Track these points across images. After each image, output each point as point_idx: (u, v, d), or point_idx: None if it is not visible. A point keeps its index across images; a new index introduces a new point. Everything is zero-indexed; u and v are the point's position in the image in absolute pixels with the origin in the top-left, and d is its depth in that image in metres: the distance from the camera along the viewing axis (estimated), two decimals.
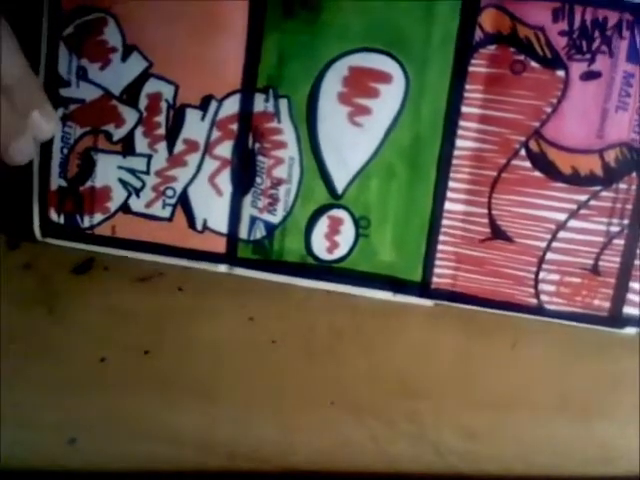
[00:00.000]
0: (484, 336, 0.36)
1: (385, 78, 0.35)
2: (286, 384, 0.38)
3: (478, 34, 0.34)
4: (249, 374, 0.38)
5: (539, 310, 0.35)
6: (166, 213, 0.38)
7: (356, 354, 0.37)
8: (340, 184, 0.36)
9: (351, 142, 0.36)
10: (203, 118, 0.37)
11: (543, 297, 0.35)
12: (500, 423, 0.37)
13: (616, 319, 0.35)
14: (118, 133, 0.37)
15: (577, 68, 0.33)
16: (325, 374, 0.37)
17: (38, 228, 0.38)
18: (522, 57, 0.33)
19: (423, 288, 0.36)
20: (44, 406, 0.39)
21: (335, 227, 0.37)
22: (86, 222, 0.38)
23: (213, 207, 0.38)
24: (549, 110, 0.33)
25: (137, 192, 0.38)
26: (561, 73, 0.33)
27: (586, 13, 0.32)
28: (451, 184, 0.35)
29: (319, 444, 0.38)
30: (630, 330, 0.35)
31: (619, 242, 0.34)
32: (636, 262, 0.34)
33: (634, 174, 0.33)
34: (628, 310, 0.34)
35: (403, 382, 0.37)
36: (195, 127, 0.37)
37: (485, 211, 0.35)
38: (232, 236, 0.38)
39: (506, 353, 0.36)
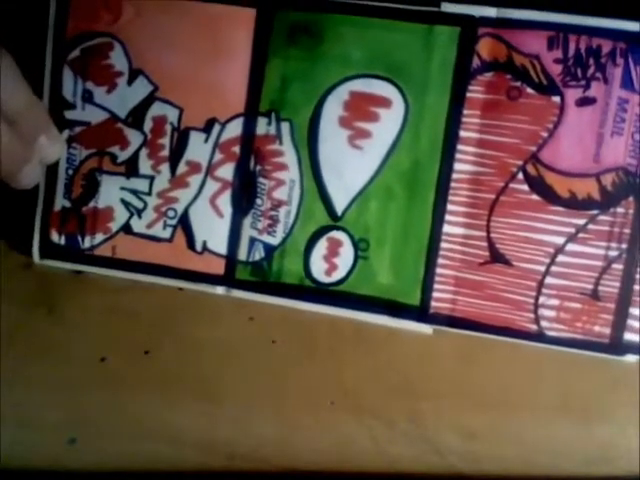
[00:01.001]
0: (485, 337, 0.37)
1: (385, 103, 0.37)
2: (286, 384, 0.38)
3: (475, 61, 0.36)
4: (249, 374, 0.39)
5: (539, 337, 0.36)
6: (166, 234, 0.40)
7: (356, 354, 0.38)
8: (340, 206, 0.38)
9: (351, 165, 0.38)
10: (206, 140, 0.39)
11: (543, 323, 0.36)
12: (500, 423, 0.37)
13: (617, 346, 0.35)
14: (123, 155, 0.40)
15: (572, 94, 0.35)
16: (325, 374, 0.38)
17: (37, 250, 0.40)
18: (518, 84, 0.35)
19: (422, 312, 0.37)
20: (44, 406, 0.40)
21: (334, 249, 0.38)
22: (87, 242, 0.40)
23: (213, 228, 0.39)
24: (546, 135, 0.35)
25: (139, 213, 0.40)
26: (557, 99, 0.35)
27: (580, 41, 0.35)
28: (450, 207, 0.37)
29: (319, 444, 0.38)
30: (631, 358, 0.35)
31: (618, 267, 0.35)
32: (635, 287, 0.35)
33: (631, 198, 0.35)
34: (629, 337, 0.35)
35: (403, 382, 0.38)
36: (198, 149, 0.39)
37: (484, 234, 0.36)
38: (231, 257, 0.39)
39: (506, 353, 0.37)
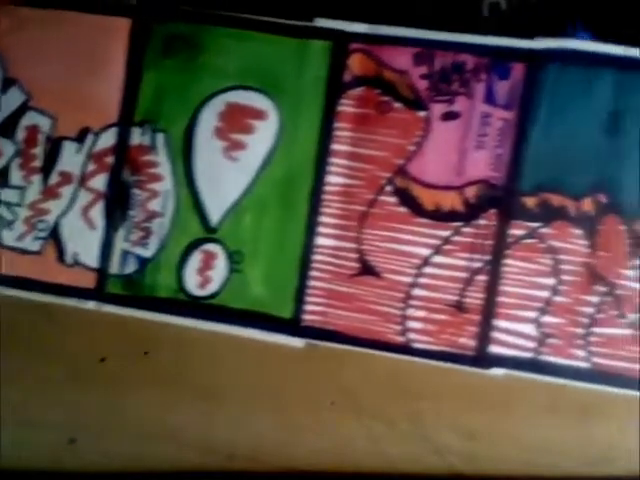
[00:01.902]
0: None
1: (260, 115, 0.38)
2: (286, 384, 0.39)
3: (347, 76, 0.37)
4: (249, 374, 0.39)
5: (407, 349, 0.37)
6: (36, 246, 0.39)
7: (356, 354, 0.38)
8: (214, 218, 0.39)
9: (226, 176, 0.38)
10: (79, 151, 0.39)
11: (410, 335, 0.37)
12: (500, 423, 0.38)
13: (482, 359, 0.36)
14: None
15: (438, 109, 0.37)
16: (325, 374, 0.38)
17: None
18: (387, 98, 0.37)
19: (294, 325, 0.38)
20: (44, 406, 0.40)
21: (208, 262, 0.39)
22: None
23: (85, 240, 0.39)
24: (413, 148, 0.37)
25: (9, 225, 0.40)
26: (423, 113, 0.37)
27: (446, 57, 0.37)
28: (322, 219, 0.38)
29: (319, 444, 0.39)
30: (497, 371, 0.37)
31: (481, 278, 0.36)
32: (499, 299, 0.37)
33: (493, 210, 0.36)
34: (493, 349, 0.37)
35: (403, 382, 0.38)
36: (71, 159, 0.39)
37: (354, 246, 0.38)
38: (103, 271, 0.39)
39: None
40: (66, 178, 0.39)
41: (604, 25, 0.38)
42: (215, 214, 0.39)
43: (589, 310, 0.36)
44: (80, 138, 0.39)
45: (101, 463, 0.40)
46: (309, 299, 0.38)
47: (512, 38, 0.36)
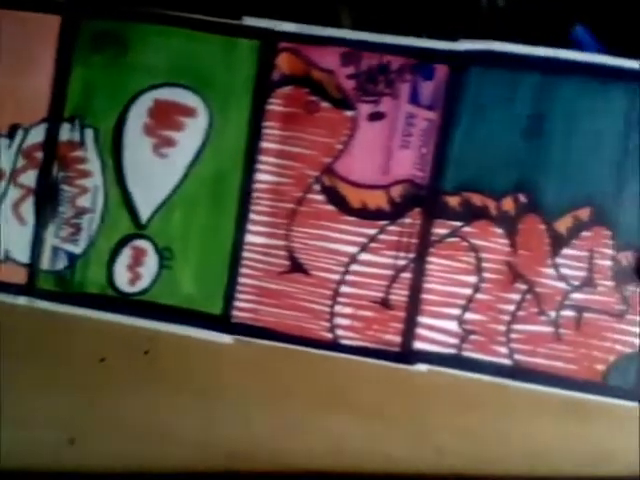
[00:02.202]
0: None
1: (189, 112, 0.39)
2: (285, 384, 0.39)
3: (275, 75, 0.38)
4: (249, 374, 0.39)
5: (334, 345, 0.38)
6: None
7: None
8: (144, 214, 0.39)
9: (156, 173, 0.39)
10: (10, 146, 0.39)
11: (338, 331, 0.38)
12: (499, 423, 0.38)
13: (407, 355, 0.37)
14: None
15: (364, 109, 0.37)
16: (325, 374, 0.39)
17: None
18: (315, 98, 0.38)
19: (223, 322, 0.38)
20: (44, 406, 0.40)
21: (138, 258, 0.39)
22: None
23: (16, 236, 0.39)
24: (340, 147, 0.38)
25: None
26: (350, 113, 0.37)
27: (372, 58, 0.37)
28: (252, 216, 0.38)
29: (319, 444, 0.39)
30: (421, 367, 0.38)
31: (406, 275, 0.37)
32: (423, 296, 0.37)
33: (418, 209, 0.37)
34: (418, 345, 0.37)
35: (403, 382, 0.38)
36: (2, 155, 0.39)
37: (284, 243, 0.38)
38: (33, 266, 0.39)
39: None
40: None
41: (603, 21, 0.39)
42: (145, 210, 0.39)
43: (510, 307, 0.37)
44: (10, 134, 0.39)
45: (101, 463, 0.40)
46: (239, 296, 0.38)
47: (437, 40, 0.37)
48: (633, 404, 0.36)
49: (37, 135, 0.39)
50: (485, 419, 0.39)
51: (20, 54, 0.39)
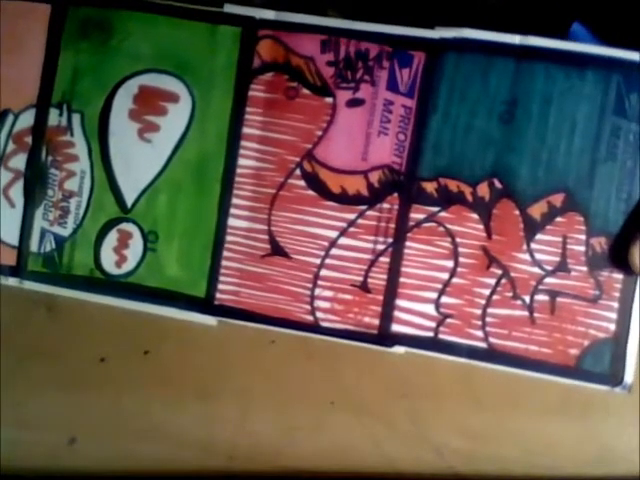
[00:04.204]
0: None
1: (172, 98, 0.41)
2: (286, 384, 0.41)
3: (256, 61, 0.40)
4: (249, 374, 0.41)
5: (315, 328, 0.40)
6: None
7: (356, 354, 0.40)
8: (130, 198, 0.42)
9: (141, 157, 0.41)
10: (0, 131, 0.43)
11: (319, 314, 0.40)
12: (500, 423, 0.40)
13: (385, 337, 0.40)
14: None
15: (343, 95, 0.40)
16: (325, 374, 0.41)
17: None
18: (295, 84, 0.40)
19: (206, 304, 0.41)
20: (44, 406, 0.42)
21: (124, 241, 0.42)
22: None
23: (5, 219, 0.42)
24: (320, 133, 0.40)
25: None
26: (329, 100, 0.40)
27: (350, 45, 0.39)
28: (234, 201, 0.41)
29: (319, 444, 0.41)
30: (398, 349, 0.40)
31: (385, 260, 0.40)
32: (401, 280, 0.40)
33: (396, 194, 0.39)
34: (396, 328, 0.40)
35: (403, 382, 0.41)
36: None
37: (265, 227, 0.41)
38: (23, 249, 0.43)
39: None
40: None
41: (600, 14, 0.40)
42: (130, 194, 0.42)
43: (485, 292, 0.39)
44: (1, 119, 0.42)
45: (101, 463, 0.42)
46: (222, 279, 0.41)
47: (414, 27, 0.39)
48: (605, 388, 0.39)
49: (26, 120, 0.42)
50: (485, 419, 0.41)
51: (10, 42, 0.42)
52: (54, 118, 0.42)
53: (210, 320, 0.41)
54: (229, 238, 0.41)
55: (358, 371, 0.41)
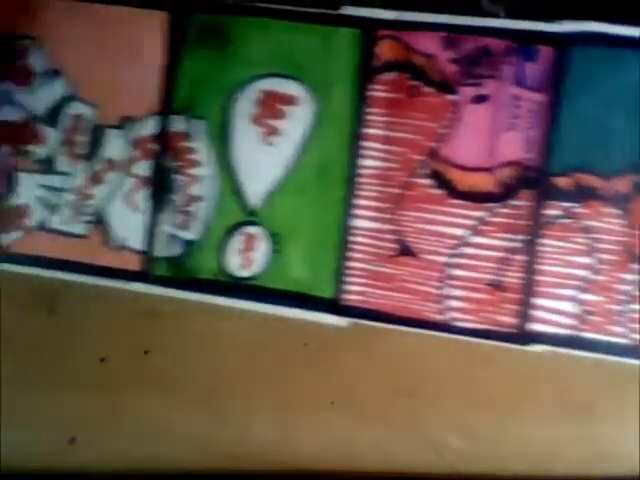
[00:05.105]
0: None
1: (293, 101, 0.42)
2: (286, 384, 0.42)
3: (376, 61, 0.40)
4: (249, 375, 0.42)
5: (446, 327, 0.40)
6: (82, 230, 0.44)
7: (356, 354, 0.41)
8: (254, 201, 0.43)
9: (263, 160, 0.42)
10: (122, 138, 0.44)
11: (450, 313, 0.41)
12: (500, 423, 0.41)
13: (521, 336, 0.40)
14: (39, 153, 0.44)
15: (467, 92, 0.40)
16: (325, 374, 0.42)
17: None
18: (417, 83, 0.40)
19: (334, 305, 0.42)
20: (44, 406, 0.43)
21: (249, 244, 0.43)
22: (2, 240, 0.44)
23: (129, 224, 0.43)
24: (444, 131, 0.40)
25: (55, 210, 0.44)
26: (453, 97, 0.40)
27: (473, 41, 0.39)
28: (359, 201, 0.41)
29: (319, 444, 0.42)
30: (536, 347, 0.40)
31: (519, 257, 0.40)
32: (537, 277, 0.40)
33: (527, 191, 0.40)
34: (532, 326, 0.40)
35: (403, 382, 0.41)
36: (114, 147, 0.43)
37: (392, 227, 0.41)
38: (147, 253, 0.44)
39: (506, 354, 0.40)
40: (110, 164, 0.44)
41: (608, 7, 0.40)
42: (255, 197, 0.43)
43: (626, 288, 0.39)
44: (122, 126, 0.43)
45: (101, 463, 0.43)
46: (349, 279, 0.42)
47: (538, 22, 0.39)
48: None
49: (147, 127, 0.43)
50: (486, 419, 0.41)
51: (130, 49, 0.43)
52: (176, 124, 0.43)
53: (340, 321, 0.42)
54: (354, 239, 0.42)
55: (358, 371, 0.41)
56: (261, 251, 0.43)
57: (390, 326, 0.41)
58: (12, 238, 0.44)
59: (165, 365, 0.43)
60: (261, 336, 0.42)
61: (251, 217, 0.43)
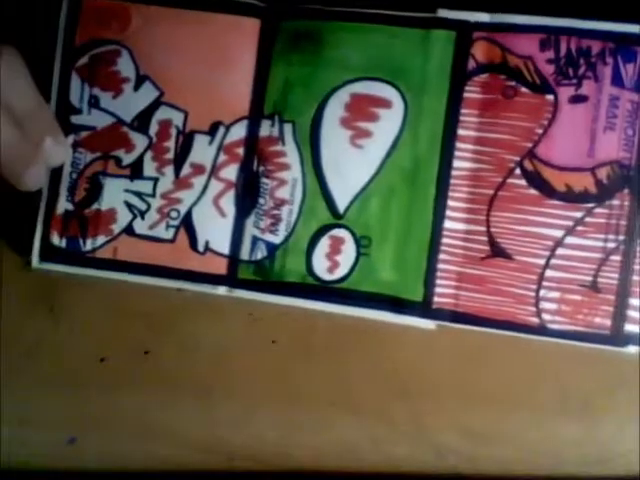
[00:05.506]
0: (484, 335, 0.40)
1: (385, 103, 0.42)
2: (286, 384, 0.42)
3: (471, 63, 0.41)
4: (249, 374, 0.42)
5: (542, 330, 0.40)
6: (169, 234, 0.44)
7: (356, 354, 0.41)
8: (342, 204, 0.43)
9: (352, 163, 0.42)
10: (211, 143, 0.44)
11: (545, 316, 0.40)
12: (500, 423, 0.41)
13: (618, 337, 0.39)
14: (127, 158, 0.44)
15: (565, 92, 0.40)
16: (325, 374, 0.42)
17: (37, 253, 0.44)
18: (513, 83, 0.41)
19: (425, 308, 0.41)
20: (44, 406, 0.43)
21: (336, 246, 0.43)
22: (88, 245, 0.44)
23: (216, 228, 0.44)
24: (541, 131, 0.40)
25: (142, 214, 0.44)
26: (550, 97, 0.40)
27: (571, 42, 0.40)
28: (450, 203, 0.41)
29: (319, 444, 0.42)
30: (632, 349, 0.39)
31: (616, 258, 0.39)
32: (634, 278, 0.39)
33: (626, 190, 0.39)
34: (629, 328, 0.39)
35: (403, 382, 0.41)
36: (202, 151, 0.44)
37: (484, 229, 0.41)
38: (234, 257, 0.44)
39: (506, 353, 0.41)
40: (198, 169, 0.44)
41: None
42: (342, 200, 0.43)
43: None
44: (211, 131, 0.44)
45: (101, 463, 0.43)
46: (439, 282, 0.41)
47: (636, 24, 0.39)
48: None
49: (238, 132, 0.44)
50: (485, 419, 0.40)
51: (221, 55, 0.44)
52: (266, 129, 0.43)
53: (429, 324, 0.41)
54: (445, 241, 0.41)
55: (358, 371, 0.41)
56: (349, 254, 0.42)
57: (481, 329, 0.41)
58: (98, 243, 0.44)
59: (165, 365, 0.43)
60: (261, 336, 0.43)
61: (339, 220, 0.43)
